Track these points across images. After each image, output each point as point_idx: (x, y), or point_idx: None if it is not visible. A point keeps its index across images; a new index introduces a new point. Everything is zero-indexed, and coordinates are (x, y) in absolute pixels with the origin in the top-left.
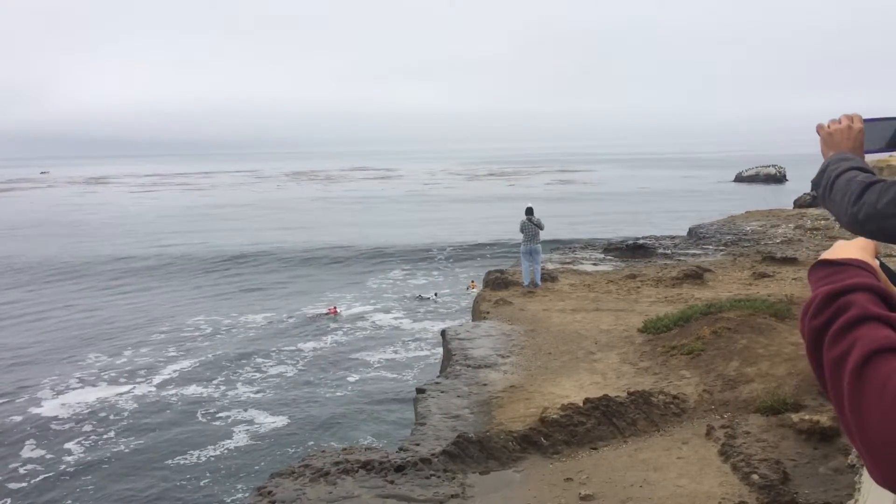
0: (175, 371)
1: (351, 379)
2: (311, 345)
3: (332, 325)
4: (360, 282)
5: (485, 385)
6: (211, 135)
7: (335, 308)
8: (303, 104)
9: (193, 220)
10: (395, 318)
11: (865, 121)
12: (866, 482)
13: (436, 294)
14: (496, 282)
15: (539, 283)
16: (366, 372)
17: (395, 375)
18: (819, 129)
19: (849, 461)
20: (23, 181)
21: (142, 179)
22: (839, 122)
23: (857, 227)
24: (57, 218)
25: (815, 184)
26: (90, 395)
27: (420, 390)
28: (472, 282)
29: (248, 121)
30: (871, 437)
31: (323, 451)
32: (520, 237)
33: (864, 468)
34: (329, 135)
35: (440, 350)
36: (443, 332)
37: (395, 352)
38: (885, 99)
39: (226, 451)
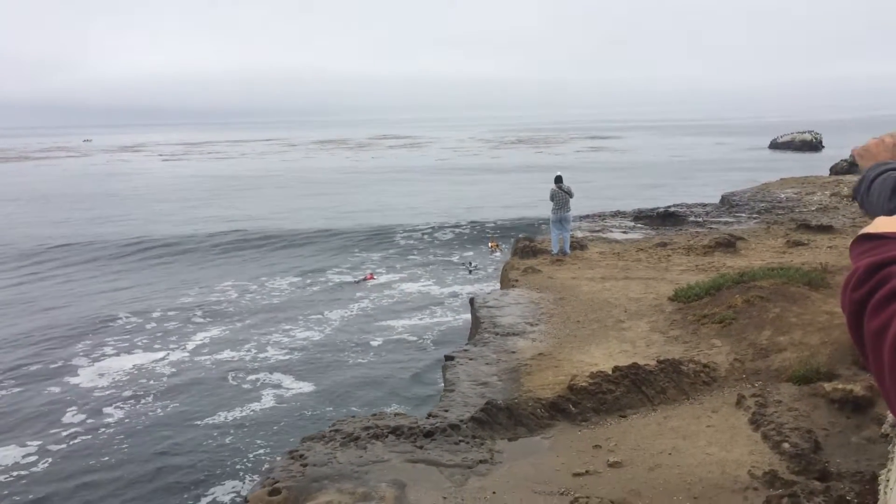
0: (207, 337)
1: (374, 343)
2: (337, 312)
3: (359, 294)
4: (388, 257)
5: (513, 353)
6: (239, 103)
7: (371, 274)
8: (335, 73)
9: (221, 194)
10: (424, 286)
11: None
12: None
13: (471, 264)
14: (525, 250)
15: (568, 251)
16: (389, 336)
17: (414, 339)
18: (854, 150)
19: (882, 430)
20: (61, 149)
21: (172, 148)
22: (869, 143)
23: None
24: (88, 188)
25: (856, 192)
26: (126, 363)
27: (449, 357)
28: (494, 242)
29: (278, 89)
30: None
31: (353, 417)
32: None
33: None
34: (359, 103)
35: (465, 315)
36: (471, 300)
37: (420, 318)
38: None
39: (253, 413)
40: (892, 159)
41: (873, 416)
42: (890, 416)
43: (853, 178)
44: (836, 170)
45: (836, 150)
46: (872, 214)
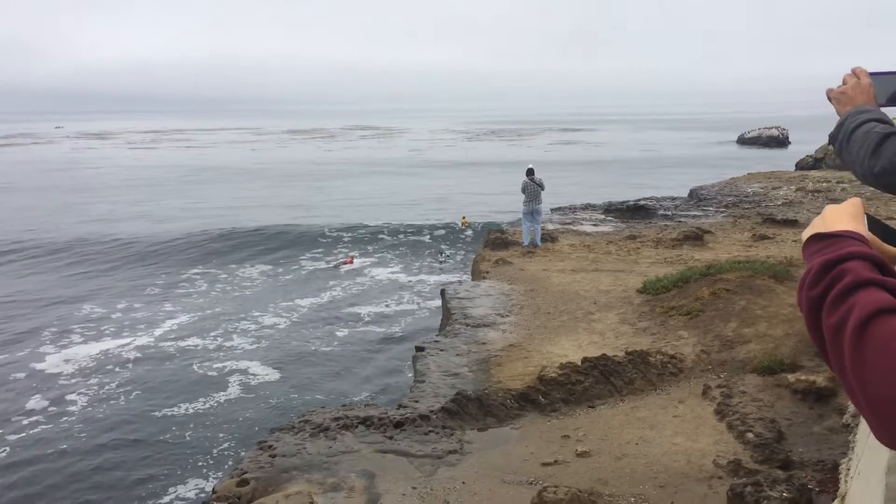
0: (175, 324)
1: (340, 333)
2: (308, 300)
3: (332, 282)
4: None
5: (484, 344)
6: (212, 90)
7: (351, 258)
8: (312, 62)
9: (187, 185)
10: (393, 273)
11: (870, 74)
12: (860, 441)
13: (441, 254)
14: (496, 242)
15: (539, 243)
16: (355, 326)
17: (384, 329)
18: (829, 92)
19: (843, 421)
20: (26, 136)
21: (141, 136)
22: (845, 81)
23: (873, 179)
24: (46, 179)
25: (833, 137)
26: (93, 349)
27: (419, 348)
28: (465, 219)
29: (251, 77)
30: (873, 394)
31: (323, 408)
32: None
33: (859, 428)
34: (333, 93)
35: (432, 303)
36: (442, 292)
37: (387, 305)
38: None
39: (218, 402)
40: (869, 101)
41: (835, 406)
42: (851, 407)
43: (818, 174)
44: (801, 165)
45: (802, 146)
46: (850, 165)
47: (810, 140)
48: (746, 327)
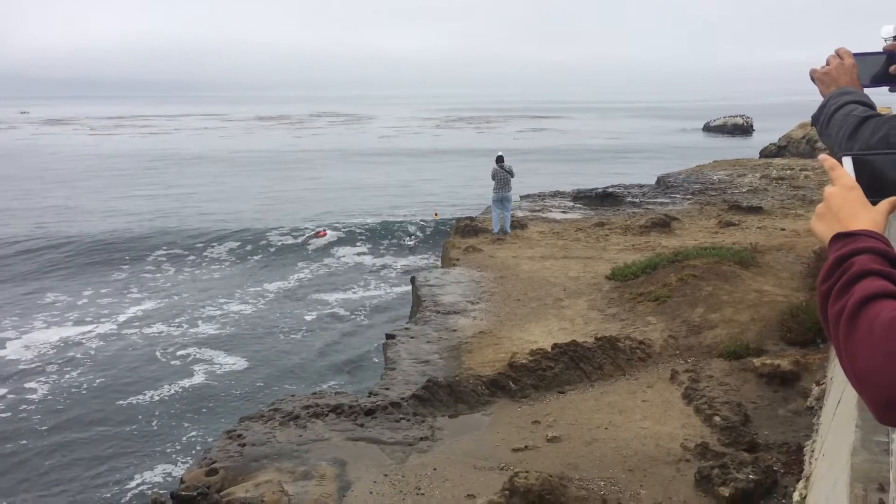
0: (139, 310)
1: (308, 318)
2: (276, 284)
3: (300, 264)
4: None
5: (454, 331)
6: (179, 76)
7: (324, 231)
8: (275, 47)
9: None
10: (360, 256)
11: (854, 55)
12: (824, 424)
13: (410, 238)
14: (466, 229)
15: (509, 230)
16: (323, 311)
17: (351, 315)
18: (813, 72)
19: (807, 404)
20: None
21: (104, 122)
22: (829, 62)
23: None
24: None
25: (815, 118)
26: (54, 335)
27: (390, 336)
28: (436, 213)
29: (218, 62)
30: (860, 371)
31: (293, 396)
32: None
33: (823, 411)
34: (299, 78)
35: (398, 289)
36: (412, 279)
37: (354, 291)
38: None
39: (184, 390)
40: (852, 82)
41: (799, 389)
42: (815, 389)
43: (782, 162)
44: (765, 153)
45: (766, 134)
46: (830, 147)
47: (774, 128)
48: (713, 313)
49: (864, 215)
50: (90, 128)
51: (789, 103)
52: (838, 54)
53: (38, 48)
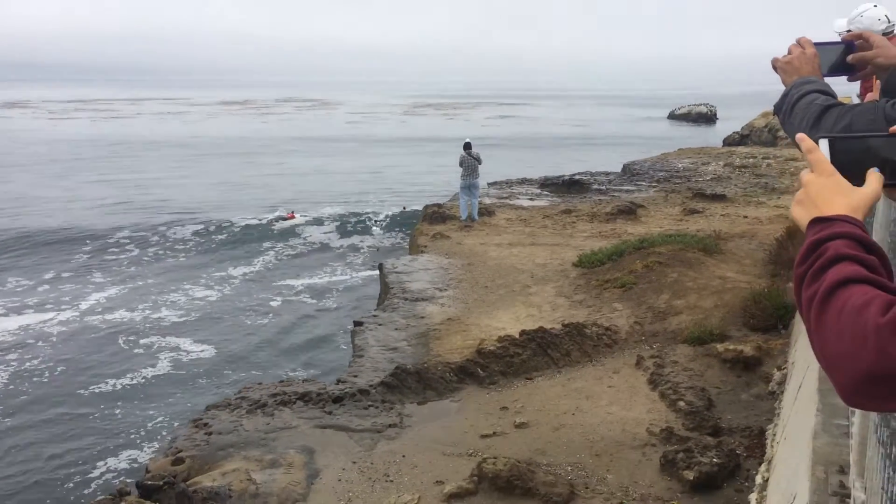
0: (103, 297)
1: (274, 304)
2: (241, 269)
3: (265, 244)
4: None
5: (422, 318)
6: (143, 59)
7: (293, 213)
8: (232, 33)
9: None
10: (326, 239)
11: (815, 45)
12: (786, 408)
13: (376, 224)
14: (434, 216)
15: (476, 217)
16: (289, 297)
17: (317, 301)
18: (775, 61)
19: (769, 388)
20: None
21: (63, 105)
22: (790, 51)
23: None
24: None
25: (778, 107)
26: (12, 324)
27: (358, 323)
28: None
29: (175, 47)
30: (828, 352)
31: (259, 384)
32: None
33: (784, 395)
34: (258, 63)
35: (363, 274)
36: (380, 266)
37: (319, 277)
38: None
39: (147, 380)
40: (814, 72)
41: (761, 374)
42: (777, 374)
43: (745, 150)
44: (728, 141)
45: (729, 123)
46: (791, 136)
47: (737, 117)
48: (678, 299)
49: (841, 201)
50: (49, 111)
51: (752, 92)
52: (800, 43)
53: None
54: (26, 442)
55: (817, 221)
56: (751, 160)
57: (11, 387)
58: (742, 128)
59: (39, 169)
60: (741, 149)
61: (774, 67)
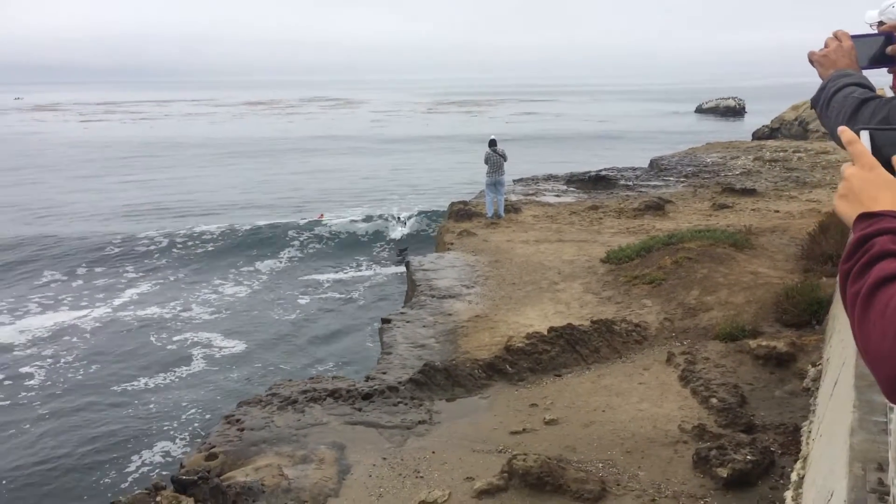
0: (135, 293)
1: (302, 301)
2: (268, 263)
3: (290, 233)
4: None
5: (450, 315)
6: (170, 61)
7: (322, 214)
8: (253, 33)
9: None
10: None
11: (852, 37)
12: (822, 404)
13: (400, 221)
14: (460, 213)
15: (502, 214)
16: (315, 293)
17: (344, 296)
18: (811, 54)
19: (804, 385)
20: None
21: (94, 108)
22: (827, 45)
23: None
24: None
25: (815, 101)
26: (49, 320)
27: (386, 320)
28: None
29: (198, 49)
30: (872, 348)
31: (290, 381)
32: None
33: (820, 391)
34: (280, 64)
35: (387, 270)
36: (407, 263)
37: (345, 271)
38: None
39: (180, 376)
40: (851, 64)
41: (795, 370)
42: (811, 371)
43: (775, 144)
44: (758, 135)
45: (759, 116)
46: (830, 130)
47: (766, 110)
48: (708, 295)
49: (886, 196)
50: (79, 114)
51: (781, 85)
52: (836, 36)
53: (35, 35)
54: (63, 435)
55: (864, 217)
56: (781, 154)
57: (48, 382)
58: (772, 121)
59: (71, 171)
60: (771, 142)
61: (811, 61)
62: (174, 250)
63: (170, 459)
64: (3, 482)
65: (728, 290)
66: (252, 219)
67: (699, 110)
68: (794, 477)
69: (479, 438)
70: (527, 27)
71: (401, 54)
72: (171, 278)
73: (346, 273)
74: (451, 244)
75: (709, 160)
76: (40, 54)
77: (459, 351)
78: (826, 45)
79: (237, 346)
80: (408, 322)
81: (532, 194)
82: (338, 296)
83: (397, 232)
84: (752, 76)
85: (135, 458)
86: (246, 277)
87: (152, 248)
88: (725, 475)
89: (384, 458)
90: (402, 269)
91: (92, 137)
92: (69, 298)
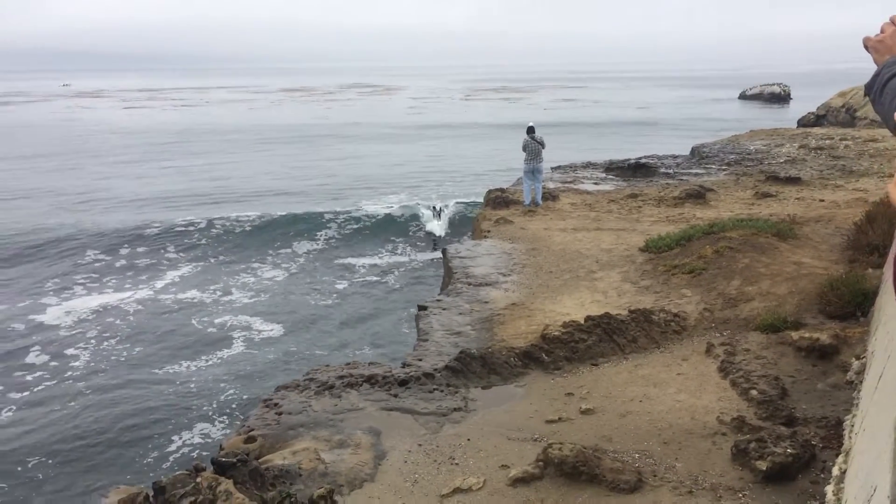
0: (177, 276)
1: (339, 285)
2: (304, 244)
3: (326, 215)
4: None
5: (486, 303)
6: (206, 48)
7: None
8: (285, 21)
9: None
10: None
11: None
12: (865, 398)
13: (435, 208)
14: (496, 201)
15: (540, 202)
16: (352, 278)
17: (379, 281)
18: (866, 40)
19: (847, 378)
20: (22, 95)
21: (137, 94)
22: (883, 30)
23: None
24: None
25: (868, 87)
26: (93, 302)
27: (422, 307)
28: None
29: (232, 36)
30: None
31: (327, 366)
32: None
33: (864, 384)
34: (312, 51)
35: (422, 256)
36: (443, 251)
37: (380, 256)
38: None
39: (220, 359)
40: None
41: (839, 363)
42: (855, 364)
43: (821, 131)
44: (803, 122)
45: (804, 103)
46: (883, 117)
47: (812, 97)
48: (749, 285)
49: None
50: (122, 100)
51: (827, 71)
52: (893, 21)
53: (84, 22)
54: (106, 413)
55: None
56: (827, 142)
57: (92, 363)
58: (818, 108)
59: (112, 156)
60: (817, 130)
61: (866, 47)
62: (213, 231)
63: (209, 440)
64: (48, 457)
65: (770, 281)
66: (288, 206)
67: (743, 97)
68: (835, 471)
69: (514, 426)
70: (558, 15)
71: (437, 42)
72: (211, 260)
73: (381, 258)
74: (488, 232)
75: (752, 148)
76: (82, 42)
77: (495, 339)
78: (882, 31)
79: (275, 329)
80: (444, 309)
81: (570, 182)
82: (374, 280)
83: (433, 225)
84: (798, 62)
85: (175, 437)
86: (284, 259)
87: (192, 230)
88: (765, 468)
89: (419, 445)
90: (437, 254)
91: (134, 124)
92: (113, 280)
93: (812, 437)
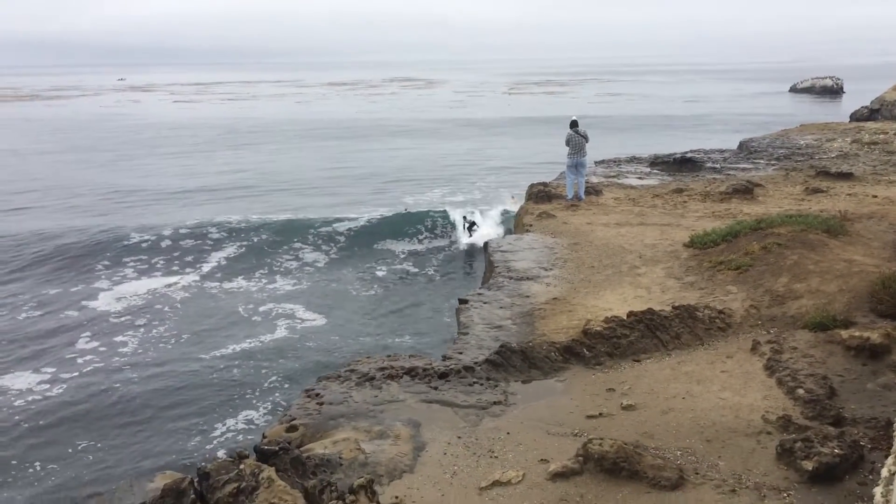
0: (221, 256)
1: (379, 273)
2: (344, 224)
3: (369, 213)
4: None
5: (527, 297)
6: (253, 42)
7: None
8: (334, 13)
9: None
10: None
11: None
12: None
13: (466, 219)
14: (539, 195)
15: (583, 196)
16: (392, 265)
17: (419, 269)
18: None
19: None
20: (77, 88)
21: (185, 88)
22: None
23: None
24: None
25: None
26: (142, 287)
27: (463, 300)
28: (513, 196)
29: (279, 29)
30: None
31: (368, 357)
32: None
33: None
34: (363, 43)
35: (462, 243)
36: (485, 244)
37: (420, 241)
38: None
39: (263, 344)
40: None
41: (889, 363)
42: None
43: (875, 126)
44: (856, 116)
45: (857, 97)
46: None
47: (866, 90)
48: (798, 282)
49: None
50: (172, 94)
51: (883, 64)
52: None
53: (139, 17)
54: (152, 399)
55: None
56: (881, 136)
57: (140, 351)
58: (871, 102)
59: (160, 149)
60: (871, 124)
61: None
62: (253, 219)
63: (252, 427)
64: (97, 439)
65: (819, 278)
66: (331, 197)
67: (793, 90)
68: (884, 473)
69: (554, 421)
70: (601, 3)
71: (468, 36)
72: (255, 238)
73: (421, 244)
74: (530, 226)
75: (802, 142)
76: (144, 36)
77: (536, 333)
78: None
79: (318, 318)
80: (485, 303)
81: (614, 176)
82: (413, 269)
83: (466, 237)
84: (850, 54)
85: (219, 424)
86: (324, 240)
87: (236, 219)
88: (811, 468)
89: (459, 437)
90: (472, 239)
91: (182, 117)
92: (161, 262)
93: (860, 438)
